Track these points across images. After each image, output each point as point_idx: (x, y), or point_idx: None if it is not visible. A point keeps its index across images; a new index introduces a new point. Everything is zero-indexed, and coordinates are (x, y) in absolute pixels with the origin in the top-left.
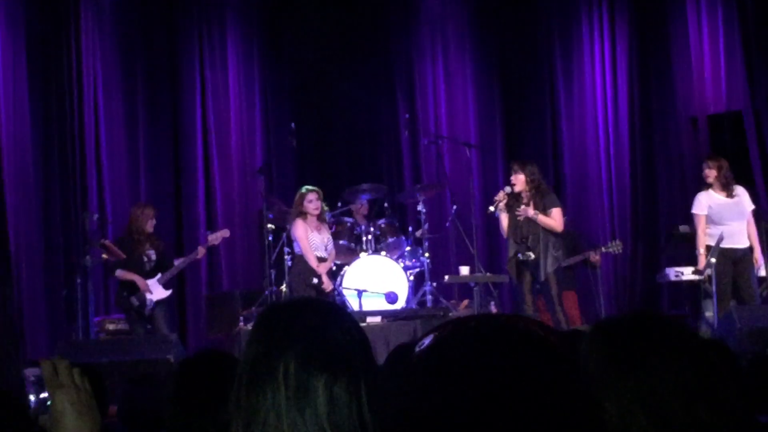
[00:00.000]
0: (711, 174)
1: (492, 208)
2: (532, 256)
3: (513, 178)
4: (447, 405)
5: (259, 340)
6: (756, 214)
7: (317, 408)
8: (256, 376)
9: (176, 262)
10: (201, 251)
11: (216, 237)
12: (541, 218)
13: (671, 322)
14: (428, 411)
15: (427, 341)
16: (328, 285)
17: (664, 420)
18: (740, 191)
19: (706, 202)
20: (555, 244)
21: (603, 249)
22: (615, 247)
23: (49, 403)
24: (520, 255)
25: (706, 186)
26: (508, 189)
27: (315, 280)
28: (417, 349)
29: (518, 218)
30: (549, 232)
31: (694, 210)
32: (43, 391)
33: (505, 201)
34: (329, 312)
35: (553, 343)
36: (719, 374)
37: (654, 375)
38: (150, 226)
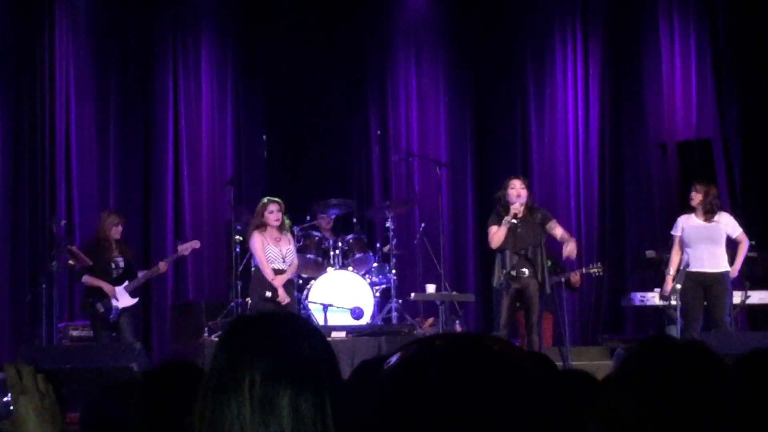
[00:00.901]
0: (696, 198)
1: (514, 221)
2: (527, 273)
3: (521, 191)
4: (413, 423)
5: (225, 351)
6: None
7: (282, 421)
8: (222, 387)
9: (140, 274)
10: (162, 266)
11: (185, 248)
12: (572, 245)
13: (719, 359)
14: (393, 428)
15: (393, 359)
16: (283, 298)
17: None
18: (722, 218)
19: (681, 224)
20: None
21: (584, 270)
22: (596, 269)
23: (11, 408)
24: (513, 271)
25: (690, 209)
26: (520, 200)
27: (268, 294)
28: (384, 366)
29: (518, 230)
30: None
31: (672, 231)
32: (5, 395)
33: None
34: (296, 326)
35: (523, 363)
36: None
37: (680, 404)
38: (115, 233)
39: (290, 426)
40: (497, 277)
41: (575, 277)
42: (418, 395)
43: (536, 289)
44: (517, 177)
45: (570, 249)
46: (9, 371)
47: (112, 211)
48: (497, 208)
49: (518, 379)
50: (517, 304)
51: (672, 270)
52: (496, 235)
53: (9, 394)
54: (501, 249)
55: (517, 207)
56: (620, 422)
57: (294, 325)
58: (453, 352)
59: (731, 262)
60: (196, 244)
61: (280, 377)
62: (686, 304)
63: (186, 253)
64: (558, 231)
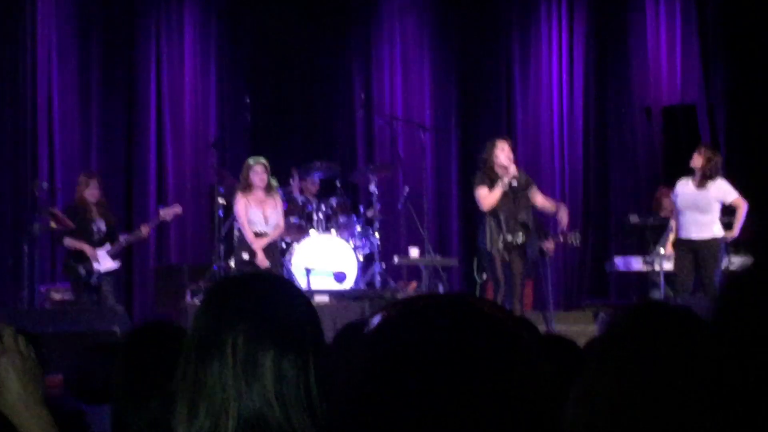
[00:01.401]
0: (697, 160)
1: (513, 183)
2: (521, 237)
3: (510, 153)
4: (396, 385)
5: (208, 313)
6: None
7: (264, 382)
8: (204, 348)
9: (122, 238)
10: (145, 230)
11: (167, 213)
12: (564, 212)
13: (702, 323)
14: (376, 391)
15: (375, 320)
16: (262, 261)
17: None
18: (714, 185)
19: (678, 189)
20: None
21: (560, 239)
22: (573, 239)
23: None
24: (510, 237)
25: (690, 172)
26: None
27: (246, 256)
28: (366, 328)
29: (512, 193)
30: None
31: (671, 195)
32: None
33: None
34: (279, 287)
35: (508, 324)
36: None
37: (665, 369)
38: (90, 195)
39: (273, 387)
40: (492, 242)
41: (549, 245)
42: (400, 356)
43: (521, 261)
44: (504, 138)
45: (563, 216)
46: None
47: (86, 173)
48: (482, 169)
49: (503, 341)
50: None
51: (671, 235)
52: (490, 197)
53: None
54: (494, 212)
55: (514, 169)
56: (603, 388)
57: (277, 287)
58: (436, 313)
59: (728, 227)
60: (177, 209)
61: (262, 338)
62: (678, 270)
63: (168, 218)
64: (538, 198)
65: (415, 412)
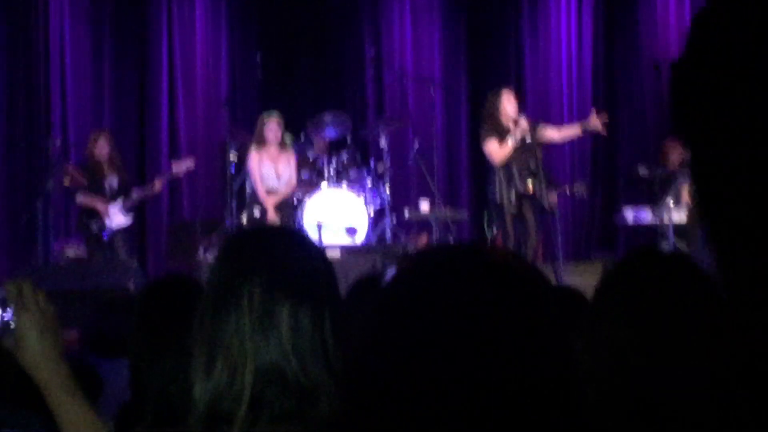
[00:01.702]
0: None
1: (527, 139)
2: (532, 188)
3: (515, 104)
4: (412, 337)
5: (224, 265)
6: None
7: (281, 334)
8: (221, 301)
9: (134, 193)
10: (157, 185)
11: (179, 166)
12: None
13: (697, 268)
14: (393, 343)
15: (390, 273)
16: (272, 218)
17: (667, 360)
18: None
19: None
20: None
21: (566, 190)
22: (579, 189)
23: (12, 324)
24: (522, 187)
25: None
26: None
27: (257, 213)
28: (382, 281)
29: (522, 144)
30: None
31: None
32: (6, 312)
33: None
34: (294, 239)
35: (521, 272)
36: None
37: (661, 314)
38: (100, 152)
39: (289, 338)
40: (503, 194)
41: (553, 198)
42: (416, 308)
43: (533, 210)
44: (509, 88)
45: (592, 121)
46: (9, 288)
47: (96, 130)
48: (488, 122)
49: (517, 289)
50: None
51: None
52: (502, 151)
53: (9, 311)
54: (506, 165)
55: (525, 123)
56: (601, 336)
57: (292, 239)
58: (450, 263)
59: None
60: (190, 163)
61: (278, 290)
62: (688, 222)
63: (180, 171)
64: (554, 134)
65: (432, 364)
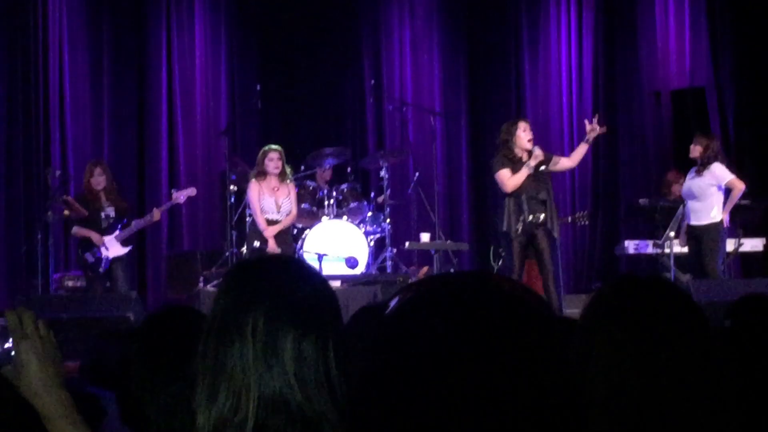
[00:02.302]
0: (695, 151)
1: (543, 166)
2: (541, 218)
3: (530, 135)
4: (417, 366)
5: (228, 294)
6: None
7: (284, 363)
8: (224, 330)
9: (134, 223)
10: (156, 214)
11: (180, 195)
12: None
13: (682, 292)
14: (397, 372)
15: (393, 303)
16: (272, 249)
17: (656, 383)
18: (709, 170)
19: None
20: None
21: (569, 219)
22: (581, 218)
23: (13, 353)
24: (531, 217)
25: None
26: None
27: (257, 243)
28: (385, 311)
29: (533, 174)
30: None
31: None
32: (7, 341)
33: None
34: (299, 269)
35: (530, 302)
36: (711, 343)
37: (649, 338)
38: (96, 183)
39: (293, 368)
40: (511, 223)
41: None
42: (420, 337)
43: (548, 239)
44: (525, 120)
45: (591, 132)
46: (10, 317)
47: (93, 161)
48: (501, 151)
49: (522, 318)
50: (527, 252)
51: (684, 223)
52: (514, 179)
53: (10, 340)
54: (515, 193)
55: (540, 152)
56: (591, 363)
57: (295, 268)
58: (454, 292)
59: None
60: (191, 191)
61: (282, 320)
62: (689, 254)
63: (181, 200)
64: (566, 162)
65: (435, 392)
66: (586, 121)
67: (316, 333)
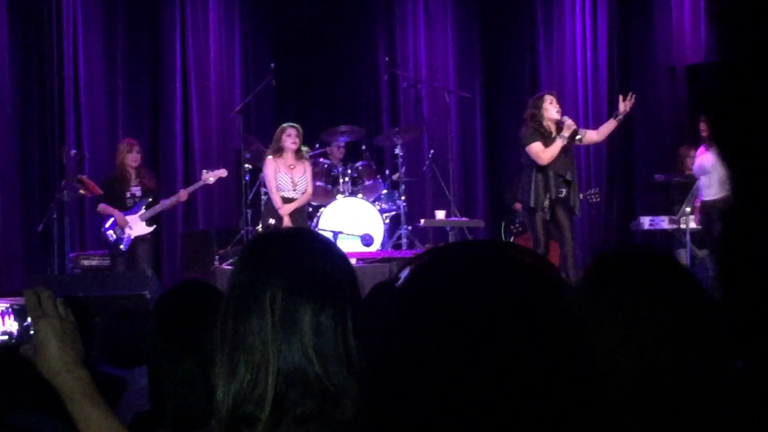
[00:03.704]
0: (706, 126)
1: (578, 137)
2: (564, 193)
3: (557, 106)
4: (430, 336)
5: (245, 269)
6: None
7: (303, 336)
8: (243, 304)
9: (160, 202)
10: (183, 194)
11: (210, 175)
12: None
13: (669, 261)
14: (412, 343)
15: (404, 273)
16: (287, 226)
17: (650, 357)
18: None
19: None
20: None
21: (581, 196)
22: (593, 195)
23: (31, 332)
24: (555, 193)
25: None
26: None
27: (272, 221)
28: (396, 283)
29: (565, 151)
30: None
31: None
32: (25, 320)
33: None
34: (316, 242)
35: (542, 270)
36: (708, 318)
37: (644, 311)
38: (131, 161)
39: (311, 341)
40: (538, 199)
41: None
42: (432, 306)
43: (567, 215)
44: (551, 92)
45: (622, 106)
46: (28, 296)
47: (126, 140)
48: (529, 125)
49: (533, 284)
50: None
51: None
52: (549, 151)
53: (29, 319)
54: (543, 169)
55: (571, 121)
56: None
57: (313, 242)
58: (464, 260)
59: None
60: (222, 172)
61: (300, 293)
62: (703, 230)
63: (211, 181)
64: (593, 134)
65: (449, 362)
66: (621, 97)
67: (334, 306)
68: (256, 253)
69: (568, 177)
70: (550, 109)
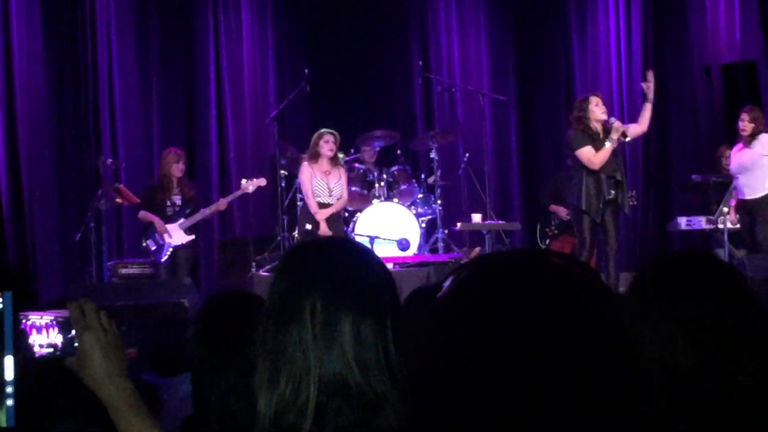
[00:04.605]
0: (746, 126)
1: (627, 138)
2: (613, 193)
3: (603, 107)
4: (475, 346)
5: (285, 278)
6: None
7: (343, 345)
8: (283, 314)
9: (200, 211)
10: (222, 203)
11: (249, 184)
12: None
13: (724, 264)
14: (457, 353)
15: (447, 284)
16: (325, 232)
17: (706, 357)
18: (758, 141)
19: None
20: None
21: (628, 195)
22: (629, 198)
23: (76, 344)
24: (606, 195)
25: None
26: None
27: (308, 226)
28: (438, 294)
29: (614, 153)
30: None
31: None
32: (70, 332)
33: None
34: (355, 251)
35: (587, 279)
36: (763, 321)
37: (701, 312)
38: (176, 170)
39: (352, 349)
40: (589, 201)
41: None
42: (477, 318)
43: (615, 217)
44: (596, 94)
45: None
46: (72, 308)
47: (171, 149)
48: (577, 129)
49: (579, 293)
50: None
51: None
52: (600, 155)
53: (73, 331)
54: (594, 172)
55: (619, 123)
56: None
57: (352, 251)
58: (508, 270)
59: None
60: (262, 181)
61: (341, 302)
62: (741, 230)
63: (250, 190)
64: (635, 127)
65: (495, 370)
66: (643, 84)
67: (374, 315)
68: (295, 263)
69: (619, 177)
70: (597, 111)
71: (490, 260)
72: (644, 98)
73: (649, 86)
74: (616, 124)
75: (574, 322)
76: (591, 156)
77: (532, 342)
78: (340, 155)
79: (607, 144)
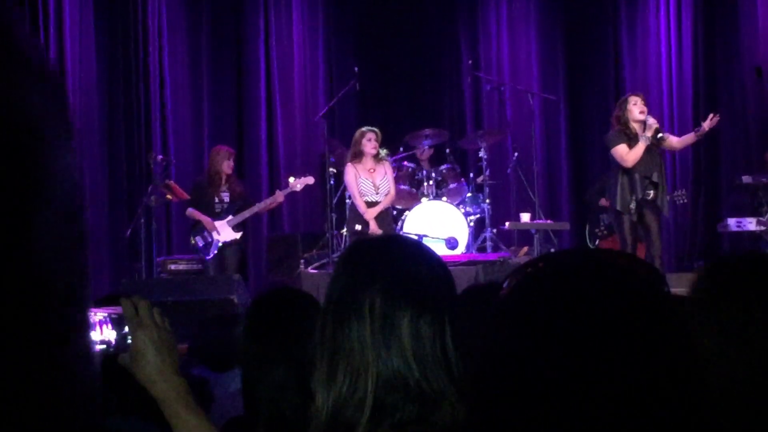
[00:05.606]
0: None
1: (662, 134)
2: (651, 195)
3: (642, 107)
4: (542, 348)
5: (345, 275)
6: None
7: (402, 341)
8: (342, 310)
9: (255, 205)
10: (279, 196)
11: (297, 183)
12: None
13: None
14: (517, 354)
15: (506, 284)
16: (374, 230)
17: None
18: None
19: None
20: None
21: (668, 198)
22: (679, 196)
23: (129, 340)
24: (641, 195)
25: None
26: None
27: (358, 227)
28: (500, 292)
29: (651, 153)
30: None
31: None
32: (123, 328)
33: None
34: (414, 248)
35: (652, 280)
36: None
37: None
38: (226, 167)
39: (411, 346)
40: (624, 201)
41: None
42: (539, 319)
43: (655, 216)
44: (636, 94)
45: (705, 126)
46: (126, 306)
47: (221, 147)
48: (615, 127)
49: (641, 293)
50: (637, 229)
51: None
52: (633, 153)
53: (126, 328)
54: (629, 171)
55: (653, 120)
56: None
57: (411, 248)
58: (568, 271)
59: None
60: (309, 180)
61: (399, 299)
62: None
63: (298, 188)
64: (675, 140)
65: (558, 370)
66: (710, 115)
67: (433, 311)
68: (355, 260)
69: (655, 178)
70: (634, 110)
71: (555, 260)
72: (696, 128)
73: (705, 127)
74: (650, 121)
75: (642, 324)
76: (624, 153)
77: (599, 343)
78: (383, 152)
79: (641, 142)
